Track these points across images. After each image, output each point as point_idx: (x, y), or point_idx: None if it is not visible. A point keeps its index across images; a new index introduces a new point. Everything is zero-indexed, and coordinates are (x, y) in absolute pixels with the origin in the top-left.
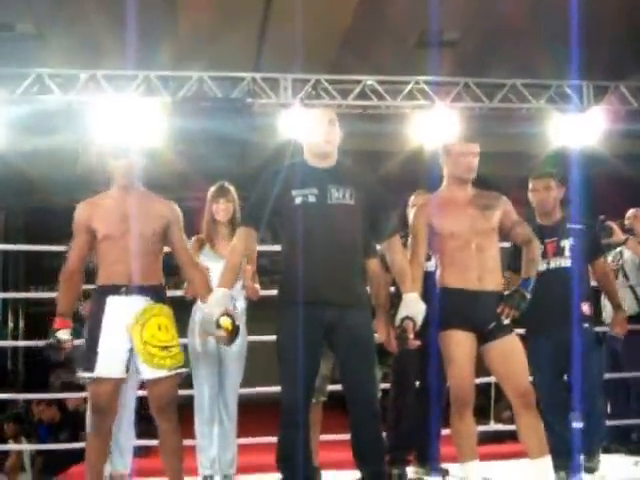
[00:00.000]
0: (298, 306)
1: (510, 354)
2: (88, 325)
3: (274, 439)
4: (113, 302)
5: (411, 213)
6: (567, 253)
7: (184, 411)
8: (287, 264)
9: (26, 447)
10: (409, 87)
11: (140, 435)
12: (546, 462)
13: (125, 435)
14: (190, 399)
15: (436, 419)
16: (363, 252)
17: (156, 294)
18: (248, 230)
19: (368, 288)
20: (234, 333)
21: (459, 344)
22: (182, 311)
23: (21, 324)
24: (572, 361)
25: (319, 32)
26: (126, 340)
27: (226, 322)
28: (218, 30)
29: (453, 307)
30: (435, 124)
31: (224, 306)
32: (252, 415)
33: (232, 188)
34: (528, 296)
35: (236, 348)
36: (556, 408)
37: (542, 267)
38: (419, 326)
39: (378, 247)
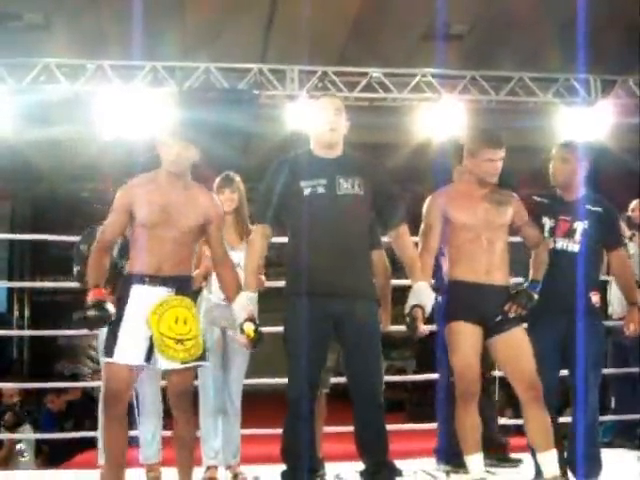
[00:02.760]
0: (306, 298)
1: (517, 347)
2: (114, 311)
3: (278, 430)
4: (137, 291)
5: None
6: (578, 237)
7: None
8: (295, 255)
9: (30, 436)
10: (416, 80)
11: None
12: (551, 455)
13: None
14: (194, 390)
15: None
16: (367, 243)
17: (180, 286)
18: (264, 229)
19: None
20: (256, 339)
21: (464, 336)
22: None
23: (26, 313)
24: (574, 354)
25: (326, 24)
26: (146, 329)
27: (249, 329)
28: (225, 21)
29: (460, 299)
30: (442, 117)
31: (248, 311)
32: (256, 406)
33: (237, 178)
34: (535, 297)
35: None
36: (550, 400)
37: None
38: (428, 314)
39: (384, 239)
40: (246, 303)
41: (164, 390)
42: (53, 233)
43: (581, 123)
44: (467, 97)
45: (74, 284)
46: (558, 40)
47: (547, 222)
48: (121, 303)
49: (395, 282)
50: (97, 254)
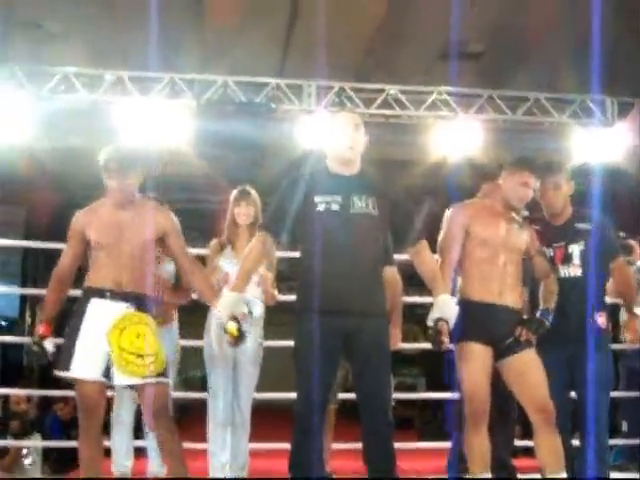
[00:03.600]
0: (317, 315)
1: (527, 369)
2: (69, 324)
3: (286, 445)
4: (96, 305)
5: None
6: (576, 261)
7: (197, 414)
8: (307, 271)
9: (37, 444)
10: (432, 97)
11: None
12: (561, 478)
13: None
14: (204, 402)
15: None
16: (382, 262)
17: (140, 302)
18: (265, 236)
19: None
20: (240, 338)
21: (475, 356)
22: (198, 314)
23: (38, 320)
24: (581, 377)
25: (344, 40)
26: (104, 344)
27: (232, 328)
28: (243, 34)
29: (472, 319)
30: (457, 135)
31: (232, 311)
32: (265, 420)
33: (253, 192)
34: (547, 324)
35: (251, 353)
36: (561, 423)
37: None
38: (451, 326)
39: (397, 256)
40: (231, 303)
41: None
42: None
43: (597, 144)
44: (483, 116)
45: None
46: (575, 60)
47: (545, 251)
48: (78, 317)
49: (406, 299)
50: (53, 285)
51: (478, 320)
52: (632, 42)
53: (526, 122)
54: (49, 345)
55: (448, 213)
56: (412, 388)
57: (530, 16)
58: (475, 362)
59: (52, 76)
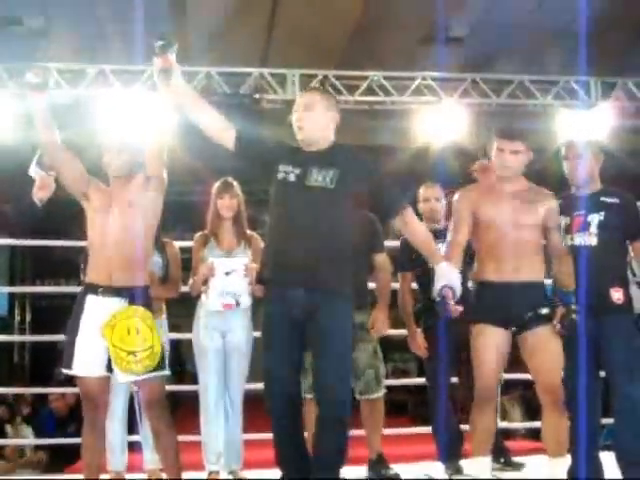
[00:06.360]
0: (270, 286)
1: (541, 347)
2: (69, 322)
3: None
4: (91, 302)
5: (421, 206)
6: (593, 229)
7: (190, 406)
8: (266, 241)
9: (33, 441)
10: (416, 83)
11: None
12: (560, 463)
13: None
14: (195, 394)
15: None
16: (347, 240)
17: (134, 296)
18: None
19: (374, 284)
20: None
21: (486, 338)
22: (187, 307)
23: (28, 318)
24: (605, 356)
25: (326, 27)
26: (103, 340)
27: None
28: (226, 25)
29: (485, 300)
30: (442, 120)
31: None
32: (258, 410)
33: (236, 184)
34: (573, 309)
35: (241, 344)
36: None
37: (566, 242)
38: (458, 295)
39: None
40: None
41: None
42: (54, 238)
43: (581, 125)
44: (467, 100)
45: (75, 288)
46: (558, 42)
47: (563, 220)
48: (76, 314)
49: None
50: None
51: (491, 300)
52: (615, 21)
53: (511, 105)
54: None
55: (454, 199)
56: (404, 372)
57: None
58: (484, 343)
59: None
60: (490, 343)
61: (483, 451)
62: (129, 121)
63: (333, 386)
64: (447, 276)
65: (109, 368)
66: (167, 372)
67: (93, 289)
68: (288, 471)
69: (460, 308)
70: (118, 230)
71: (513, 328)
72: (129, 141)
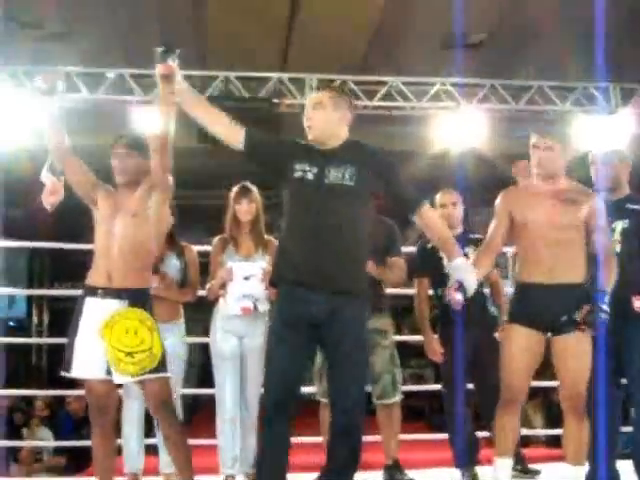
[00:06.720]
0: (284, 285)
1: (567, 353)
2: (70, 324)
3: (296, 439)
4: (91, 304)
5: (438, 212)
6: (617, 236)
7: (206, 410)
8: (282, 239)
9: (50, 444)
10: (435, 89)
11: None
12: (579, 471)
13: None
14: (212, 398)
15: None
16: (365, 241)
17: (134, 298)
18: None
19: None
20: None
21: (516, 339)
22: (203, 311)
23: (45, 320)
24: (624, 364)
25: (346, 32)
26: (101, 342)
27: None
28: (245, 29)
29: (519, 301)
30: (461, 126)
31: None
32: None
33: (255, 188)
34: (602, 308)
35: (258, 348)
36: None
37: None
38: (470, 292)
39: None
40: None
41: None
42: (72, 241)
43: (600, 131)
44: (486, 106)
45: None
46: (577, 48)
47: None
48: (76, 316)
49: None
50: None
51: (526, 302)
52: (634, 27)
53: (529, 111)
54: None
55: (497, 199)
56: (420, 378)
57: (532, 4)
58: (514, 346)
59: None
60: (519, 343)
61: (504, 453)
62: (149, 125)
63: (347, 391)
64: (461, 271)
65: (109, 372)
66: (168, 374)
67: (92, 291)
68: (262, 472)
69: (459, 298)
70: (121, 240)
71: (548, 333)
72: (137, 146)
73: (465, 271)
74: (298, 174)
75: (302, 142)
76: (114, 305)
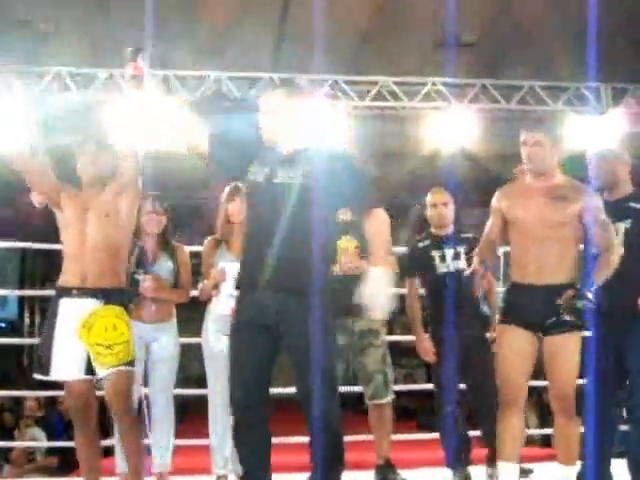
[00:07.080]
0: (241, 288)
1: (556, 354)
2: (45, 327)
3: (288, 439)
4: (66, 304)
5: (429, 211)
6: (620, 237)
7: (198, 410)
8: (242, 244)
9: (43, 444)
10: (426, 88)
11: None
12: (569, 471)
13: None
14: (204, 398)
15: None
16: (320, 238)
17: (109, 296)
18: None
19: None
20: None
21: (508, 341)
22: (196, 311)
23: (37, 321)
24: (627, 365)
25: (337, 32)
26: (80, 342)
27: None
28: (236, 29)
29: (509, 302)
30: (452, 125)
31: None
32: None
33: None
34: (588, 296)
35: None
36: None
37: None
38: (382, 305)
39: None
40: None
41: (175, 398)
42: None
43: (592, 131)
44: (477, 106)
45: None
46: (569, 48)
47: None
48: (51, 318)
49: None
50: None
51: (515, 302)
52: (626, 27)
53: (520, 111)
54: None
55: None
56: (410, 377)
57: (523, 4)
58: (506, 345)
59: (44, 75)
60: (512, 345)
61: (506, 456)
62: (140, 125)
63: (307, 391)
64: (374, 283)
65: (89, 370)
66: (133, 369)
67: (67, 292)
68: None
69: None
70: (95, 240)
71: (539, 333)
72: (106, 145)
73: (378, 284)
74: (251, 177)
75: (264, 145)
76: (90, 304)
